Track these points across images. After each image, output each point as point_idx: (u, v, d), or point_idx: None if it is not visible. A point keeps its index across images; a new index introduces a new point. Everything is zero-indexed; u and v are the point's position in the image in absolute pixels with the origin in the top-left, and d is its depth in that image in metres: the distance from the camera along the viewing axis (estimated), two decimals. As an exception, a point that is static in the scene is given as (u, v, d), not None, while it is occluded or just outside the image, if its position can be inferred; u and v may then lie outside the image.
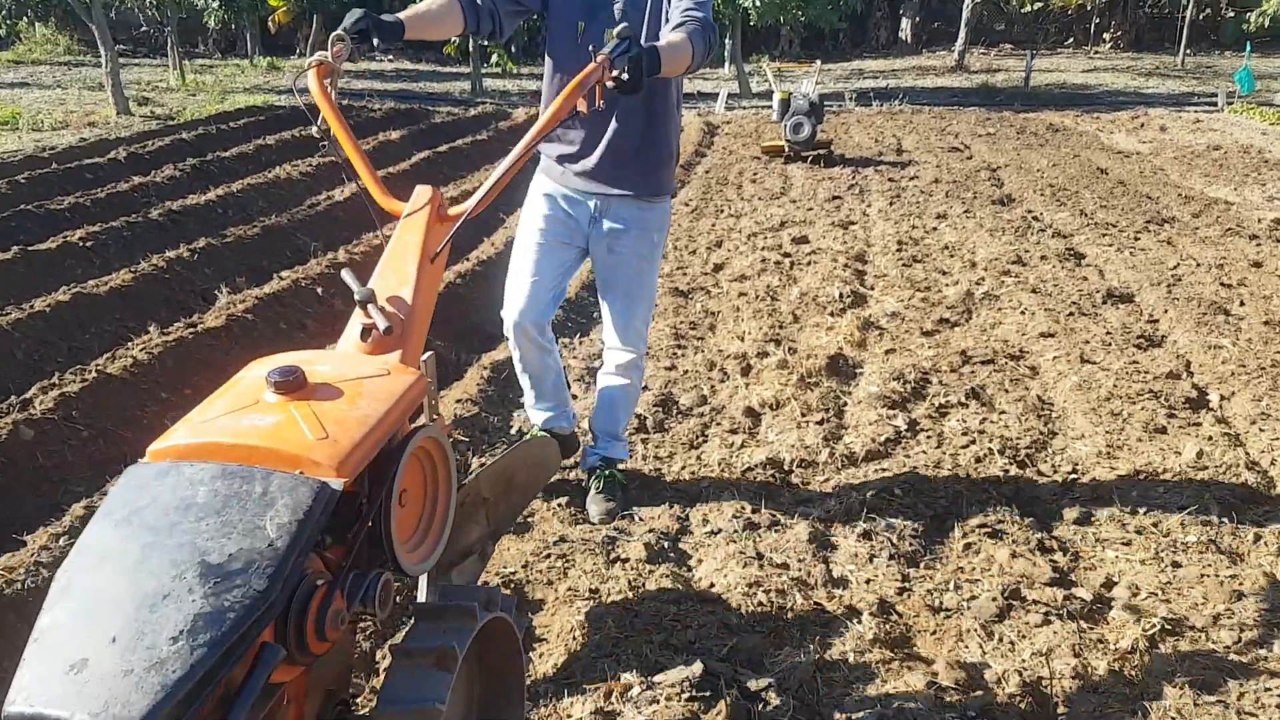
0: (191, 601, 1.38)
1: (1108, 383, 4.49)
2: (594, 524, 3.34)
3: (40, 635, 1.36)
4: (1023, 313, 5.58)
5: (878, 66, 24.12)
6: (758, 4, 16.98)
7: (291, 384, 1.70)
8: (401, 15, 2.79)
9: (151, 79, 18.68)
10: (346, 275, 2.06)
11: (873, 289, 6.22)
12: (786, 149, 10.89)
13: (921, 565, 3.11)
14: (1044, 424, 4.17)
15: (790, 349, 4.95)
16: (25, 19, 22.90)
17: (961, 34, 22.60)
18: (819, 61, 13.22)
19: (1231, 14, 25.51)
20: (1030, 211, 8.28)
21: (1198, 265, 6.44)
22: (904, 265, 6.64)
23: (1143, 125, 14.12)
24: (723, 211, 8.46)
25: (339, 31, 2.53)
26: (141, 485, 1.54)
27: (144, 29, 23.56)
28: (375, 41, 2.66)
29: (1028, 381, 4.62)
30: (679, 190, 9.48)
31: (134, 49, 25.41)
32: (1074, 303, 5.72)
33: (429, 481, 1.95)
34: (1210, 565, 3.07)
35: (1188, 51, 22.93)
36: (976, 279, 6.27)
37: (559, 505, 3.45)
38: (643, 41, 2.96)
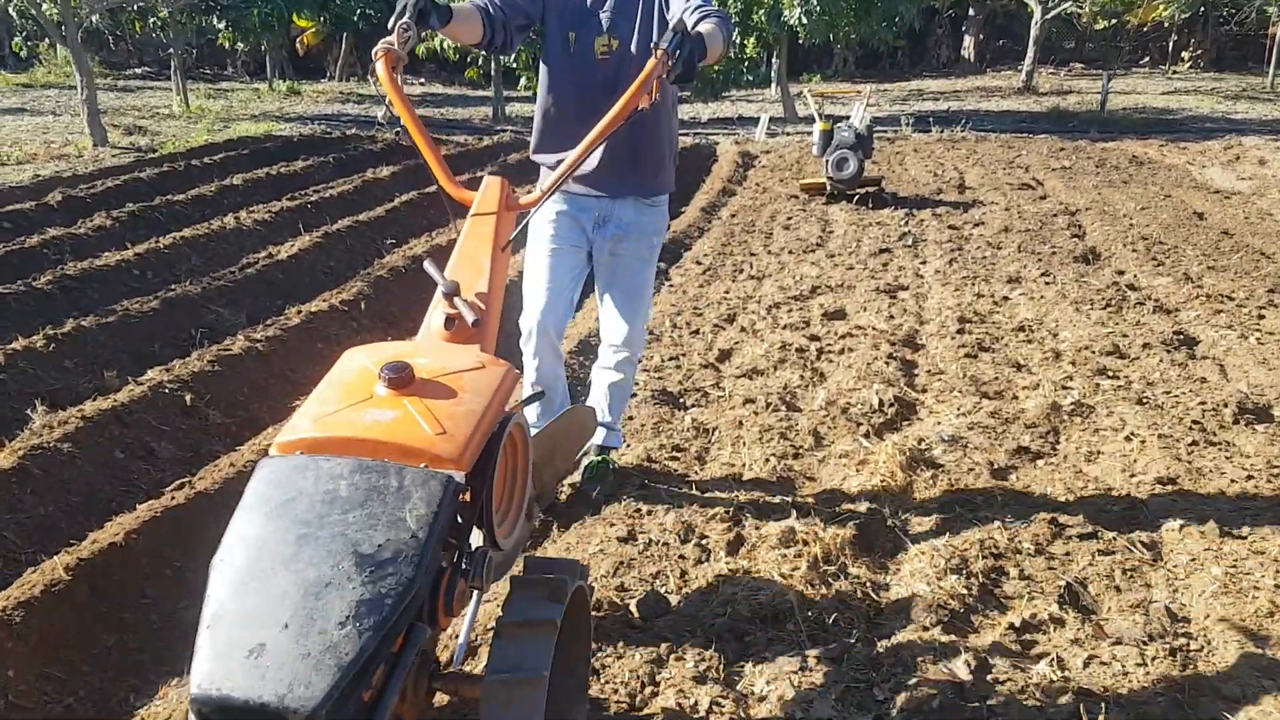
0: (352, 589, 1.48)
1: (1266, 581, 3.02)
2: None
3: (212, 622, 1.46)
4: (1128, 438, 4.11)
5: (938, 87, 22.57)
6: (805, 21, 15.52)
7: (403, 380, 1.77)
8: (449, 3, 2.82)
9: (157, 104, 17.74)
10: (429, 267, 2.16)
11: (924, 392, 4.77)
12: (828, 187, 9.47)
13: None
14: (1178, 662, 2.69)
15: (802, 506, 3.53)
16: (48, 41, 22.18)
17: (1030, 52, 20.95)
18: (869, 86, 11.76)
19: (1326, 30, 23.50)
20: (1122, 274, 6.76)
21: (1356, 362, 4.90)
22: (967, 356, 5.17)
23: (1238, 157, 12.46)
24: (741, 272, 7.03)
25: (404, 20, 2.55)
26: (283, 479, 1.63)
27: (170, 50, 22.76)
28: (434, 23, 2.66)
29: (1148, 573, 3.15)
30: (696, 240, 8.10)
31: (158, 71, 24.68)
32: (1196, 422, 4.24)
33: (512, 463, 2.06)
34: None
35: (1277, 72, 21.02)
36: (1062, 379, 4.80)
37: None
38: (633, 48, 3.15)
